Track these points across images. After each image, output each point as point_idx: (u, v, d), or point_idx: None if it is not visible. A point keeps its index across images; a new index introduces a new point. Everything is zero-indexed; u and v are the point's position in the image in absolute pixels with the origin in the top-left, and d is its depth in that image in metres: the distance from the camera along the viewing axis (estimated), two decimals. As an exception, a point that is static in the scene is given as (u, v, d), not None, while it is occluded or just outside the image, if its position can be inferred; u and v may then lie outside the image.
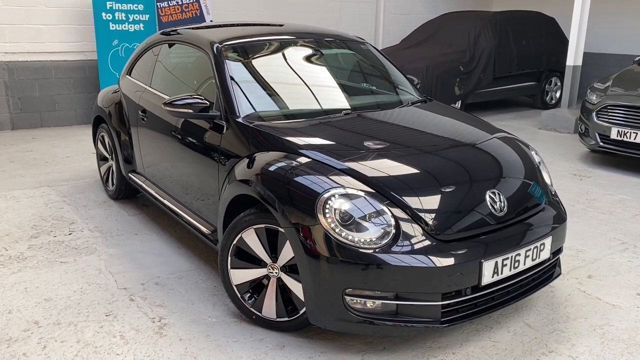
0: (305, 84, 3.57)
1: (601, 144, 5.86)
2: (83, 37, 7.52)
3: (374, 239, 2.43)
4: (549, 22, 9.43)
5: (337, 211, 2.46)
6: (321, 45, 3.88)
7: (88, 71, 7.64)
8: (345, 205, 2.48)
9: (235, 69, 3.37)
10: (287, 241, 2.57)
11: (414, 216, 2.51)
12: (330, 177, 2.59)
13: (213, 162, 3.15)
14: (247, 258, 2.80)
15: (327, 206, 2.46)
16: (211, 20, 7.89)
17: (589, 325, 2.90)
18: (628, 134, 5.57)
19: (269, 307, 2.76)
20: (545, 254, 2.77)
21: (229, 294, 2.89)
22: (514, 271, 2.62)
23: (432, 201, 2.59)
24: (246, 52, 3.56)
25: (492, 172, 2.88)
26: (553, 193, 3.14)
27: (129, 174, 4.35)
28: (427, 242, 2.46)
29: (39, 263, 3.51)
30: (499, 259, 2.54)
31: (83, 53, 7.58)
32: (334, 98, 3.60)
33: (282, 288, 2.72)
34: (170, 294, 3.16)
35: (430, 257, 2.42)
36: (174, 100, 3.17)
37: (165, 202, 3.79)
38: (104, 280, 3.31)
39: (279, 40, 3.78)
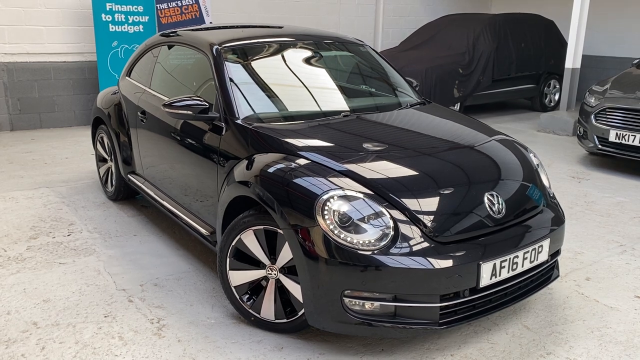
0: (304, 86, 3.58)
1: (599, 146, 5.87)
2: (82, 39, 7.52)
3: (372, 241, 2.43)
4: (548, 25, 9.45)
5: (335, 213, 2.47)
6: (320, 47, 3.89)
7: (87, 72, 7.65)
8: (344, 207, 2.49)
9: (234, 70, 3.38)
10: (286, 243, 2.58)
11: (413, 218, 2.52)
12: (329, 178, 2.60)
13: (212, 163, 3.15)
14: (246, 259, 2.81)
15: (326, 208, 2.47)
16: (210, 22, 7.89)
17: (587, 328, 2.91)
18: (626, 137, 5.59)
19: (268, 309, 2.76)
20: (544, 256, 2.78)
21: (228, 295, 2.89)
22: (512, 273, 2.63)
23: (431, 203, 2.60)
24: (245, 54, 3.57)
25: (490, 175, 2.89)
26: (551, 195, 3.15)
27: (128, 175, 4.36)
28: (426, 244, 2.47)
29: (37, 264, 3.51)
30: (497, 261, 2.54)
31: (82, 54, 7.59)
32: (333, 100, 3.61)
33: (280, 289, 2.72)
34: (169, 295, 3.17)
35: (429, 259, 2.42)
36: (174, 102, 3.17)
37: (164, 203, 3.80)
38: (102, 282, 3.31)
39: (279, 42, 3.79)
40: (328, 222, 2.45)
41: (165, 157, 3.76)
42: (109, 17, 7.30)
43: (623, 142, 5.62)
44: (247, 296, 2.83)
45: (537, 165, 3.22)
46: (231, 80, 3.30)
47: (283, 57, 3.70)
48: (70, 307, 3.02)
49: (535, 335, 2.83)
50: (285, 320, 2.73)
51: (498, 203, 2.71)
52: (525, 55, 8.95)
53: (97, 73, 7.52)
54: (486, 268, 2.50)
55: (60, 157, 6.06)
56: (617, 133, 5.66)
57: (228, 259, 2.84)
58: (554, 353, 2.68)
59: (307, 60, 3.79)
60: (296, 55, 3.77)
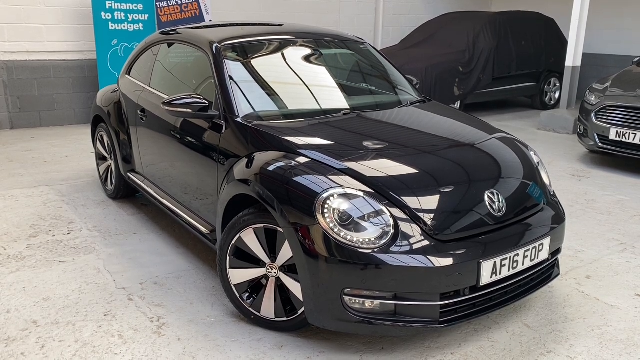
0: (304, 83, 3.57)
1: (600, 144, 5.86)
2: (82, 37, 7.51)
3: (372, 239, 2.43)
4: (549, 23, 9.44)
5: (335, 211, 2.46)
6: (320, 45, 3.88)
7: (87, 71, 7.64)
8: (344, 205, 2.48)
9: (234, 68, 3.37)
10: (286, 241, 2.57)
11: (413, 216, 2.51)
12: (329, 177, 2.59)
13: (212, 161, 3.15)
14: (246, 258, 2.80)
15: (326, 206, 2.46)
16: (210, 20, 7.88)
17: (588, 326, 2.91)
18: (627, 135, 5.58)
19: (268, 307, 2.76)
20: (544, 255, 2.77)
21: (228, 293, 2.89)
22: (512, 271, 2.62)
23: (431, 201, 2.59)
24: (245, 52, 3.57)
25: (490, 173, 2.89)
26: (552, 193, 3.15)
27: (128, 174, 4.35)
28: (426, 242, 2.46)
29: (37, 262, 3.51)
30: (498, 260, 2.54)
31: (82, 52, 7.58)
32: (333, 98, 3.60)
33: (280, 288, 2.72)
34: (168, 293, 3.16)
35: (429, 257, 2.42)
36: (173, 100, 3.17)
37: (164, 201, 3.79)
38: (102, 280, 3.31)
39: (278, 40, 3.78)
40: (328, 220, 2.44)
41: (165, 155, 3.76)
42: (108, 16, 7.29)
43: (623, 140, 5.61)
44: (247, 294, 2.83)
45: (538, 163, 3.21)
46: (231, 78, 3.29)
47: (283, 55, 3.69)
48: (70, 305, 3.02)
49: (536, 333, 2.83)
50: (285, 319, 2.72)
51: (498, 201, 2.70)
52: (525, 54, 8.94)
53: (96, 71, 7.51)
54: (486, 266, 2.50)
55: (60, 156, 6.05)
56: (617, 131, 5.65)
57: (228, 258, 2.84)
58: (554, 351, 2.68)
59: (307, 58, 3.78)
60: (296, 53, 3.76)
